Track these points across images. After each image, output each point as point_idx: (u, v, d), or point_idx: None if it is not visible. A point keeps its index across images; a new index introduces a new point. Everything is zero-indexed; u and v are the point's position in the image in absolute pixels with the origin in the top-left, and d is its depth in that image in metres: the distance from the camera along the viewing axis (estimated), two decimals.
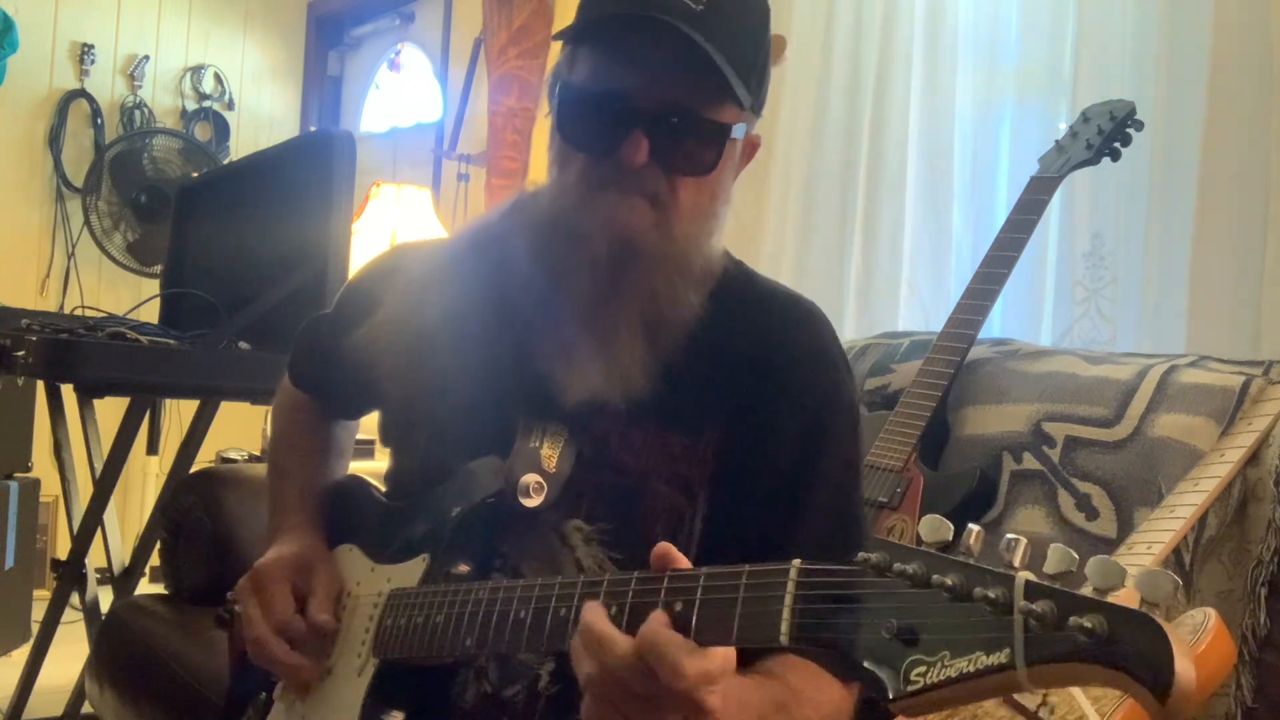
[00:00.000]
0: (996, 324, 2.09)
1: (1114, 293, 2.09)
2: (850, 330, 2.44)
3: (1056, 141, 1.68)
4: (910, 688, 0.61)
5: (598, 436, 1.02)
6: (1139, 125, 1.64)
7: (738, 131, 0.98)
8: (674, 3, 0.92)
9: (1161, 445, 1.38)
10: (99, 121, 4.34)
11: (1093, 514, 1.40)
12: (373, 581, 1.07)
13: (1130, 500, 1.38)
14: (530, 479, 0.97)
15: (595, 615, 0.78)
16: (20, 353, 1.93)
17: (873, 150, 2.46)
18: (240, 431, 3.34)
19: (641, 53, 0.94)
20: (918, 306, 2.39)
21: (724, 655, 0.75)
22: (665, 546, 0.80)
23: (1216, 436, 1.35)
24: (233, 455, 2.89)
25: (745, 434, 1.01)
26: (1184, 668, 0.53)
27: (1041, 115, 2.28)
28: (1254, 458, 1.30)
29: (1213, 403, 1.38)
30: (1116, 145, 1.64)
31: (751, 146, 1.05)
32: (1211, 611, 1.08)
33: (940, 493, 1.49)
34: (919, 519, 1.46)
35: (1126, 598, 0.56)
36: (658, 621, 0.75)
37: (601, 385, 0.98)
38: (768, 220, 2.61)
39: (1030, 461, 1.48)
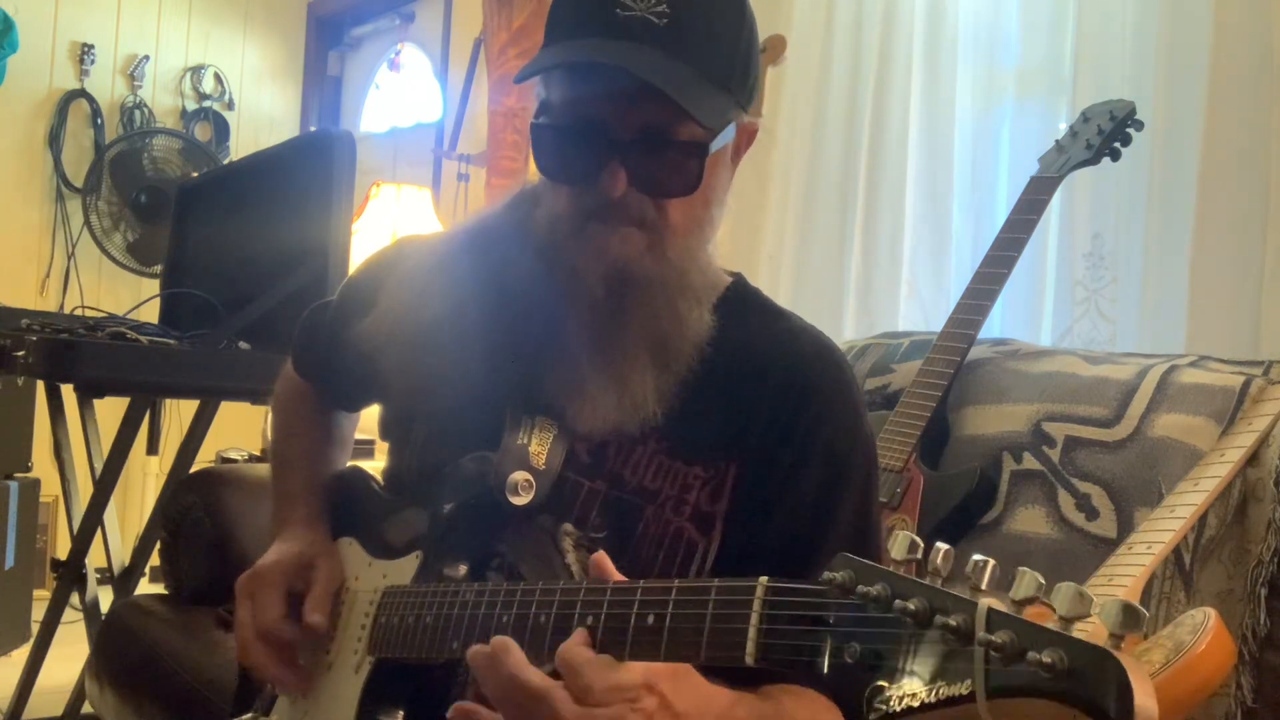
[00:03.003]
0: (996, 324, 2.09)
1: (1114, 293, 2.09)
2: (850, 330, 2.44)
3: (1056, 141, 1.68)
4: (871, 715, 0.59)
5: (596, 444, 1.02)
6: (1139, 125, 1.64)
7: (722, 139, 0.97)
8: (636, 22, 0.92)
9: (1161, 445, 1.38)
10: (99, 121, 4.34)
11: (1093, 514, 1.40)
12: (370, 577, 1.07)
13: (1130, 500, 1.37)
14: (519, 477, 0.97)
15: (519, 667, 0.79)
16: (20, 353, 1.93)
17: (873, 150, 2.46)
18: (240, 431, 3.34)
19: (602, 84, 0.93)
20: (918, 306, 2.39)
21: (642, 670, 0.75)
22: (600, 556, 0.83)
23: (1216, 436, 1.34)
24: (233, 455, 2.89)
25: (767, 472, 1.00)
26: (1144, 705, 0.52)
27: (1041, 115, 2.28)
28: (1254, 458, 1.30)
29: (1213, 403, 1.38)
30: (1116, 145, 1.63)
31: (749, 135, 1.04)
32: (1211, 611, 1.08)
33: (940, 493, 1.49)
34: (919, 519, 1.47)
35: (1093, 628, 0.55)
36: (575, 639, 0.77)
37: (616, 416, 0.98)
38: (768, 220, 2.60)
39: (1030, 461, 1.48)
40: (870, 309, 2.46)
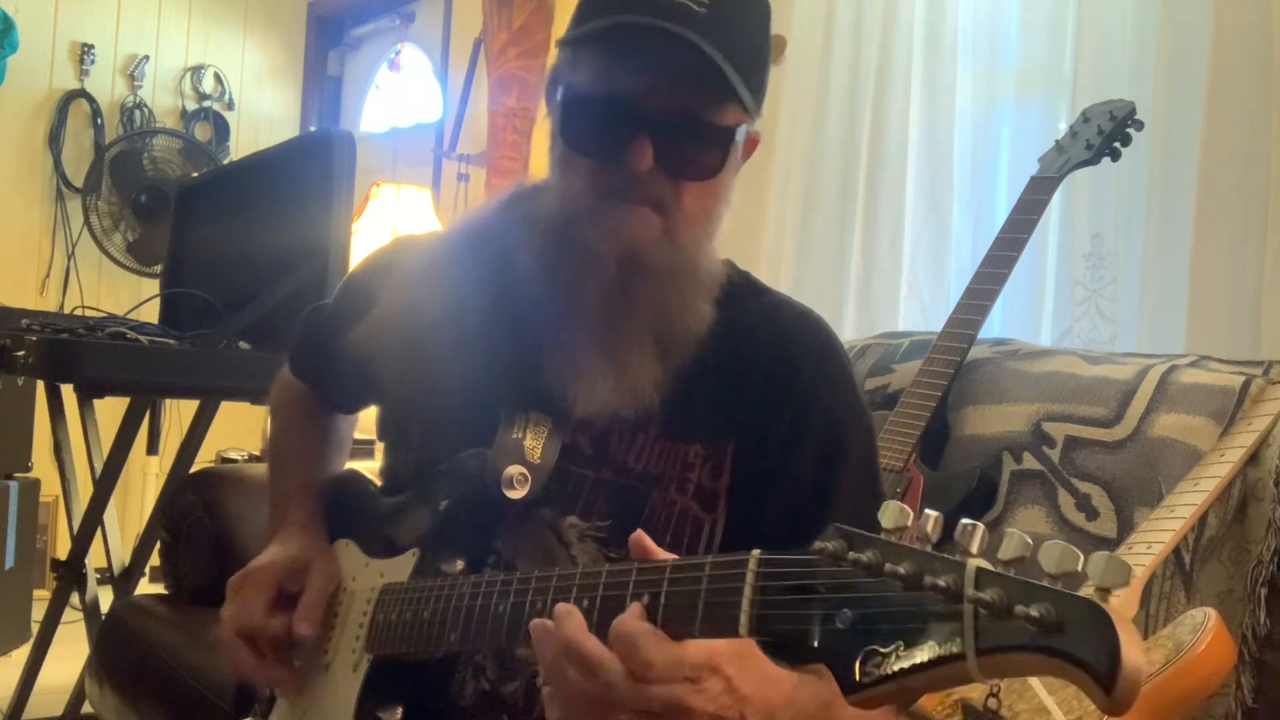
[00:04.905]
0: (996, 324, 2.09)
1: (1114, 293, 2.09)
2: (850, 330, 2.44)
3: (1056, 141, 1.68)
4: (865, 679, 0.60)
5: (598, 435, 1.02)
6: (1139, 125, 1.64)
7: (741, 133, 0.98)
8: (678, 6, 0.92)
9: (1161, 445, 1.38)
10: (99, 121, 4.34)
11: (1093, 514, 1.40)
12: (368, 576, 1.07)
13: (1130, 500, 1.37)
14: (514, 470, 0.97)
15: (578, 632, 0.76)
16: (20, 353, 1.93)
17: (873, 150, 2.46)
18: (240, 431, 3.34)
19: (645, 58, 0.93)
20: (918, 306, 2.39)
21: (706, 648, 0.72)
22: (640, 535, 0.80)
23: (1216, 436, 1.34)
24: (233, 455, 2.89)
25: (765, 445, 1.01)
26: (1130, 656, 0.52)
27: (1041, 115, 2.28)
28: (1254, 458, 1.29)
29: (1213, 403, 1.38)
30: (1116, 145, 1.63)
31: (751, 143, 1.04)
32: (1211, 611, 1.07)
33: (940, 493, 1.49)
34: None
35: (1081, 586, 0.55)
36: (632, 613, 0.74)
37: (613, 400, 0.98)
38: (768, 220, 2.61)
39: (1030, 461, 1.48)
40: (870, 309, 2.46)
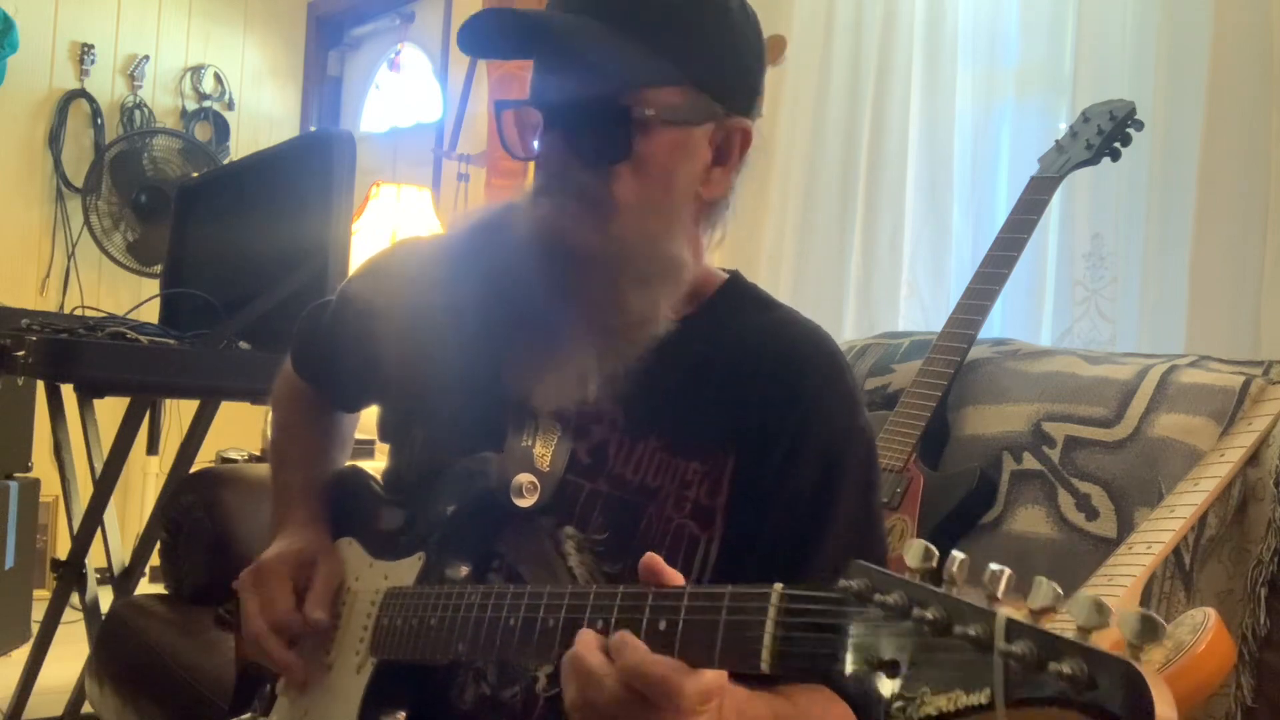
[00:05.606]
0: (996, 324, 2.09)
1: (1114, 293, 2.09)
2: (850, 330, 2.44)
3: (1056, 141, 1.68)
4: None
5: (595, 445, 1.02)
6: (1139, 125, 1.64)
7: (673, 112, 0.96)
8: None
9: (1161, 445, 1.38)
10: (99, 121, 4.34)
11: (1093, 514, 1.40)
12: (371, 577, 1.07)
13: (1130, 500, 1.37)
14: (523, 479, 0.97)
15: (586, 647, 0.76)
16: (20, 353, 1.93)
17: (873, 150, 2.46)
18: (240, 431, 3.34)
19: (533, 54, 0.96)
20: (918, 306, 2.39)
21: (715, 674, 0.74)
22: (651, 558, 0.80)
23: (1216, 436, 1.34)
24: (233, 455, 2.89)
25: (765, 459, 0.99)
26: (1165, 716, 0.52)
27: (1041, 115, 2.28)
28: (1254, 458, 1.29)
29: (1213, 403, 1.38)
30: (1116, 145, 1.63)
31: (742, 136, 1.01)
32: (1211, 611, 1.07)
33: (940, 493, 1.49)
34: (919, 519, 1.47)
35: (1110, 637, 0.55)
36: (640, 649, 0.74)
37: (561, 394, 0.98)
38: (768, 220, 2.61)
39: (1030, 461, 1.48)
40: (870, 309, 2.46)
